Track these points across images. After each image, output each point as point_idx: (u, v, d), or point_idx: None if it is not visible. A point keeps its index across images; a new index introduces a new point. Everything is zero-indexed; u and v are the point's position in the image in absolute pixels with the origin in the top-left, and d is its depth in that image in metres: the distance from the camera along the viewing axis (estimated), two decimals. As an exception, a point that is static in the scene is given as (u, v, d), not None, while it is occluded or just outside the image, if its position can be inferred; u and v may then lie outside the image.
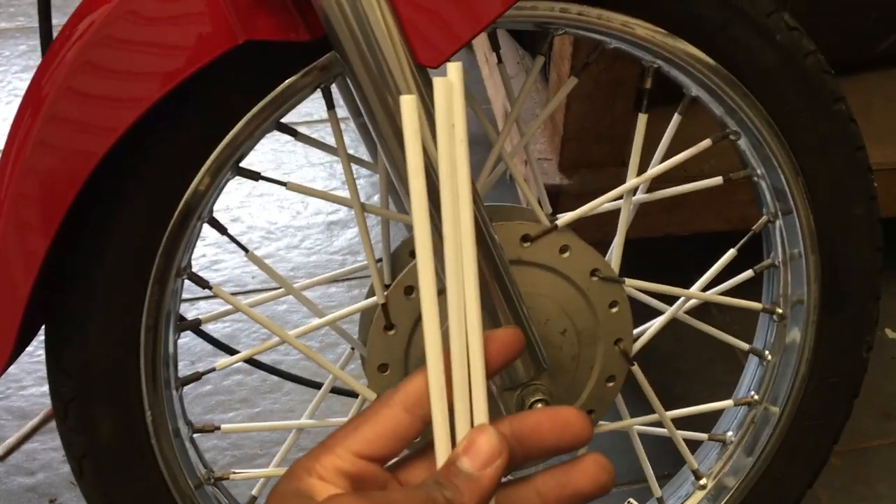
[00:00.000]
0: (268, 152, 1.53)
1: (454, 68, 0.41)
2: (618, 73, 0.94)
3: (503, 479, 0.39)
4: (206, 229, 0.67)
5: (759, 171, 0.74)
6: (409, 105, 0.41)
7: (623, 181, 0.71)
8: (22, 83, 1.68)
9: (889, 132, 1.09)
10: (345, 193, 0.67)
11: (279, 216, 1.41)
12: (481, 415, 0.40)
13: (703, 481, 0.83)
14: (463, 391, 0.40)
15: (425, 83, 0.55)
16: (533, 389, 0.65)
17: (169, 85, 0.55)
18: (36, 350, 1.09)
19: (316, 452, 0.38)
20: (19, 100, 0.58)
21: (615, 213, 0.73)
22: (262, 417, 1.10)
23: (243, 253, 0.71)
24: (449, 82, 0.41)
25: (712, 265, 0.77)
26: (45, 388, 0.66)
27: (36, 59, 1.50)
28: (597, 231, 0.87)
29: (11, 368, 0.64)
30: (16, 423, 1.09)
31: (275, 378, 1.15)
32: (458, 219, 0.41)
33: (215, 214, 0.66)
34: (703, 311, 1.13)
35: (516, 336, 0.42)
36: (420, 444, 0.42)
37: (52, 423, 0.69)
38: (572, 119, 0.98)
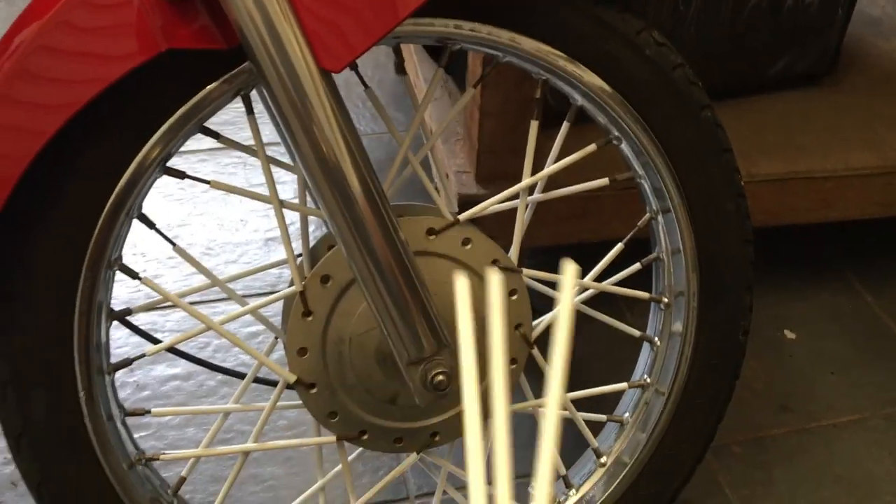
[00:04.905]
0: (209, 174, 1.59)
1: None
2: (526, 91, 1.02)
3: None
4: (150, 246, 0.73)
5: (640, 173, 0.82)
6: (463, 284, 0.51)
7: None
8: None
9: (778, 147, 1.20)
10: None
11: (218, 234, 1.47)
12: None
13: (603, 459, 0.90)
14: None
15: (329, 86, 0.63)
16: (435, 364, 0.72)
17: (96, 90, 0.61)
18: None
19: None
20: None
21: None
22: (198, 420, 1.15)
23: (189, 265, 0.77)
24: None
25: (622, 265, 0.85)
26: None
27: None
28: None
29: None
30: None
31: (211, 382, 1.20)
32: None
33: (165, 231, 0.73)
34: (615, 309, 1.21)
35: None
36: None
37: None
38: (486, 134, 1.06)
